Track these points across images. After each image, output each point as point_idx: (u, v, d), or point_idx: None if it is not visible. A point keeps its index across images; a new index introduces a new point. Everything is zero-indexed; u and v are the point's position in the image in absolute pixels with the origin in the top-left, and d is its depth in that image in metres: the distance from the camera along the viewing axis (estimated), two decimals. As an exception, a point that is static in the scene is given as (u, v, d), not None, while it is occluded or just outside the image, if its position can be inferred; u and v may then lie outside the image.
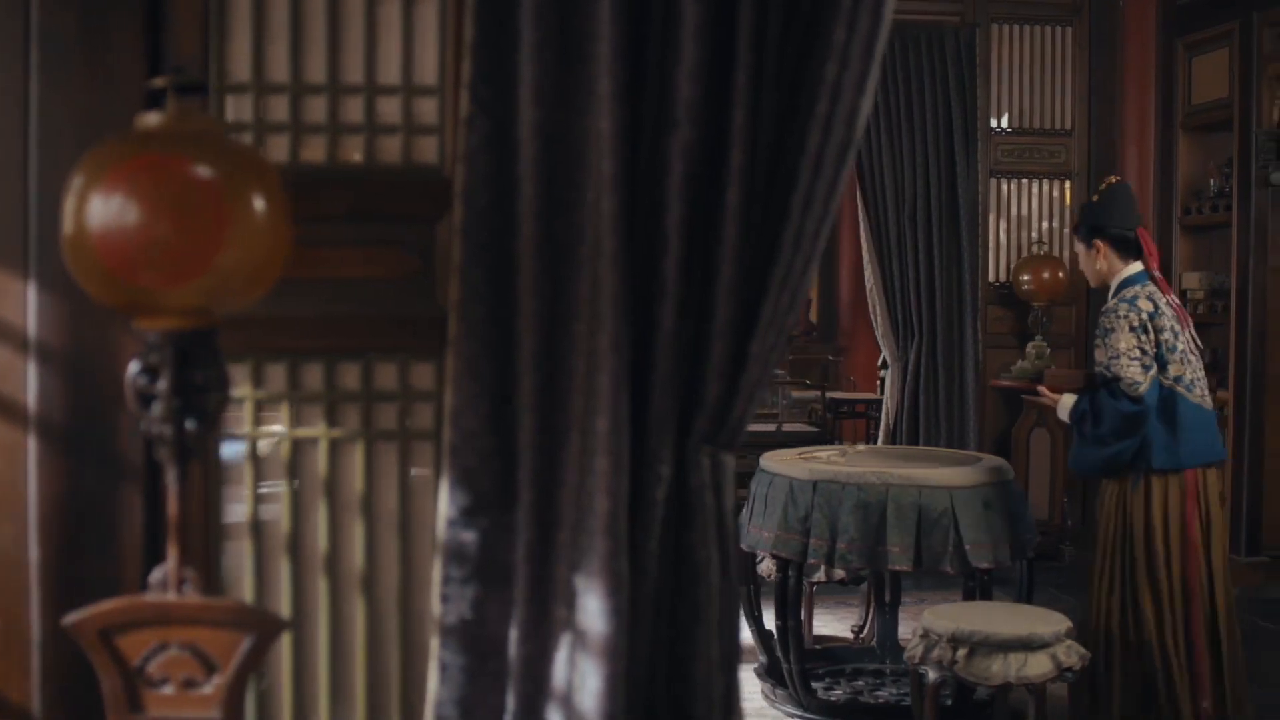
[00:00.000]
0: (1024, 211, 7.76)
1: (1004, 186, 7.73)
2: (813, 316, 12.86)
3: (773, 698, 4.86)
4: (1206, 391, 4.35)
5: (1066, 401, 4.43)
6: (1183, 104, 7.33)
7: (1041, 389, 4.69)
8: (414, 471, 2.28)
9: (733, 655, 2.19)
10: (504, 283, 2.12)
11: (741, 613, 5.29)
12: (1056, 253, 7.73)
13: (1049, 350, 7.45)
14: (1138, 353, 4.19)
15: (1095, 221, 4.44)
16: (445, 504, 2.13)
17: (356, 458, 2.24)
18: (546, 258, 2.10)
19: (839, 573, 5.24)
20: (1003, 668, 3.99)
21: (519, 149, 2.10)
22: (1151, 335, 4.22)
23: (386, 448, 2.25)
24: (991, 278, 7.74)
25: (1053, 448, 7.56)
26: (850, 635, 5.74)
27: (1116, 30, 7.66)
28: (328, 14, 2.20)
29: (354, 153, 2.21)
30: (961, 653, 4.03)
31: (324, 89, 2.21)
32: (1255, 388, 6.79)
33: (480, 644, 2.15)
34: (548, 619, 2.11)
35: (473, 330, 2.13)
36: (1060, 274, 7.47)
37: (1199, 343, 4.46)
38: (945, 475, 4.49)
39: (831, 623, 6.04)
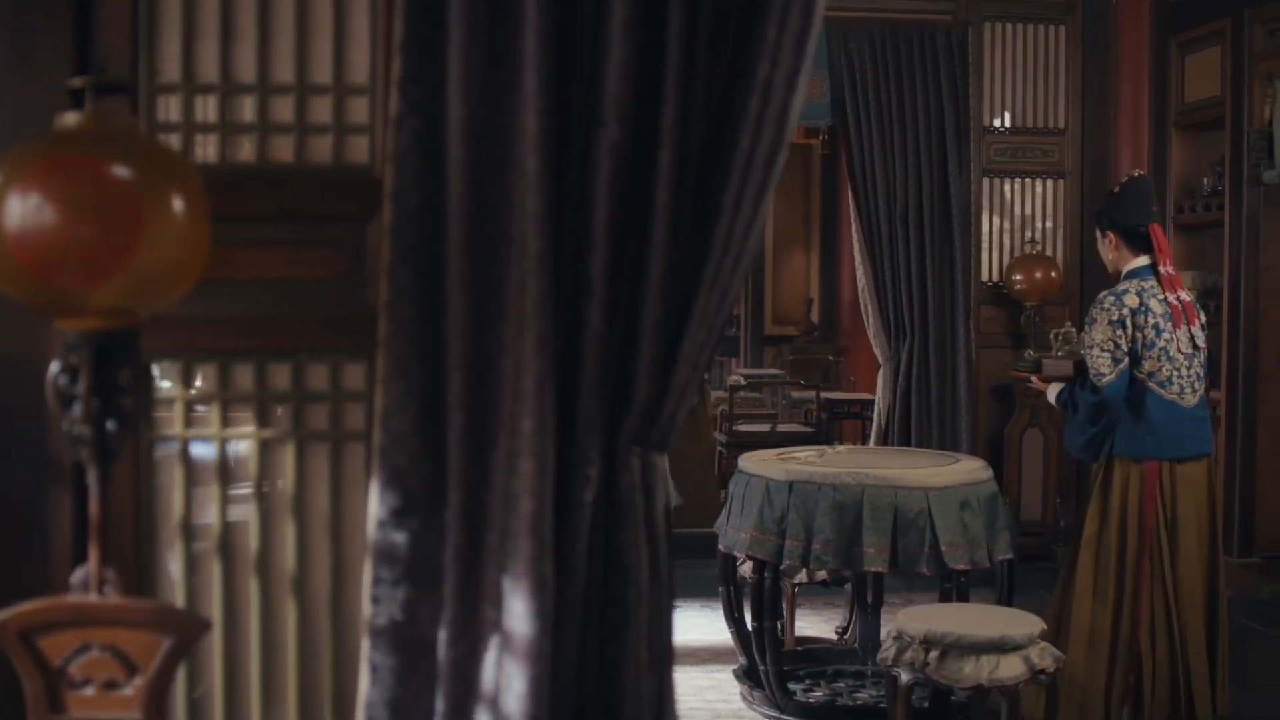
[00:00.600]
0: (1017, 211, 7.72)
1: (997, 186, 7.68)
2: (814, 317, 12.84)
3: (750, 699, 4.85)
4: (1192, 390, 4.47)
5: (1052, 390, 4.71)
6: (1176, 102, 7.29)
7: (1034, 377, 4.85)
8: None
9: (664, 657, 2.18)
10: (434, 283, 2.11)
11: (730, 612, 5.25)
12: (1050, 252, 7.69)
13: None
14: (1110, 346, 4.38)
15: (1109, 212, 4.59)
16: (376, 505, 2.12)
17: (288, 458, 2.23)
18: (474, 258, 2.08)
19: (821, 574, 5.22)
20: (974, 670, 3.96)
21: (448, 149, 2.09)
22: (1128, 331, 4.38)
23: (318, 448, 2.24)
24: (985, 277, 7.70)
25: (1046, 448, 7.53)
26: (835, 636, 5.72)
27: (1110, 28, 7.62)
28: (258, 13, 2.20)
29: (285, 153, 2.20)
30: (933, 655, 4.00)
31: (254, 88, 2.20)
32: (1246, 388, 6.75)
33: (411, 645, 2.14)
34: (477, 621, 2.10)
35: (402, 331, 2.11)
36: (1053, 274, 7.44)
37: (1199, 343, 4.50)
38: (921, 476, 4.47)
39: (818, 624, 6.03)
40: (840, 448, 5.19)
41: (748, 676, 4.86)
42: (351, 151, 2.24)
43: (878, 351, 7.64)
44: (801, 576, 5.27)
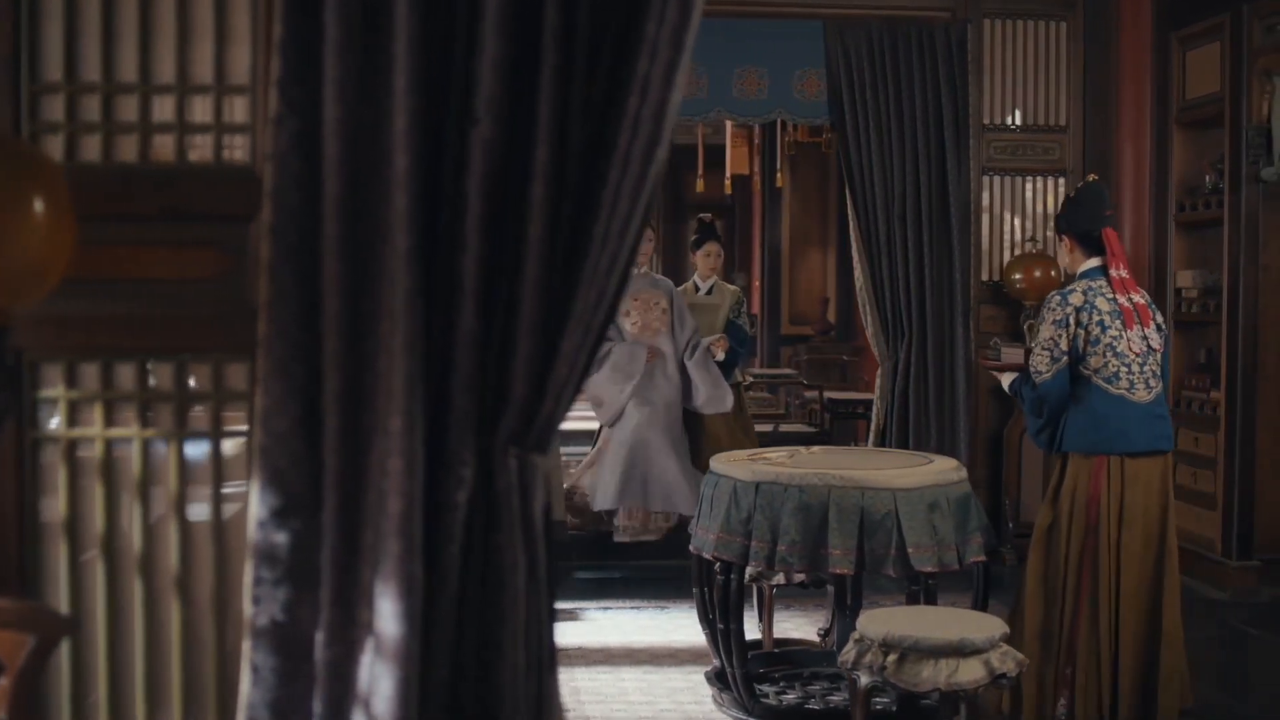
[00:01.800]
0: (1018, 209, 7.64)
1: (998, 184, 7.61)
2: (830, 316, 12.77)
3: (720, 701, 4.82)
4: (1145, 386, 4.53)
5: (1005, 378, 4.92)
6: (1177, 99, 7.21)
7: (995, 366, 5.05)
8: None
9: (544, 659, 2.16)
10: (314, 283, 2.10)
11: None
12: (1051, 251, 7.60)
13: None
14: (1050, 345, 4.51)
15: (1065, 216, 4.77)
16: (256, 505, 2.11)
17: (170, 458, 2.23)
18: (349, 258, 2.07)
19: (799, 576, 5.18)
20: (933, 673, 3.91)
21: (325, 148, 2.08)
22: (1070, 329, 4.50)
23: (201, 448, 2.24)
24: (985, 276, 7.63)
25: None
26: (817, 638, 5.67)
27: (1111, 24, 7.53)
28: (140, 12, 2.19)
29: (168, 152, 2.20)
30: (892, 658, 3.96)
31: (136, 88, 2.20)
32: (1246, 388, 6.65)
33: (293, 646, 2.13)
34: (353, 622, 2.09)
35: (282, 331, 2.10)
36: (1052, 272, 7.34)
37: (1153, 344, 4.57)
38: (888, 477, 4.43)
39: (804, 625, 5.98)
40: (815, 449, 5.14)
41: (718, 679, 4.83)
42: (233, 151, 2.23)
43: (876, 351, 7.59)
44: (779, 578, 5.23)
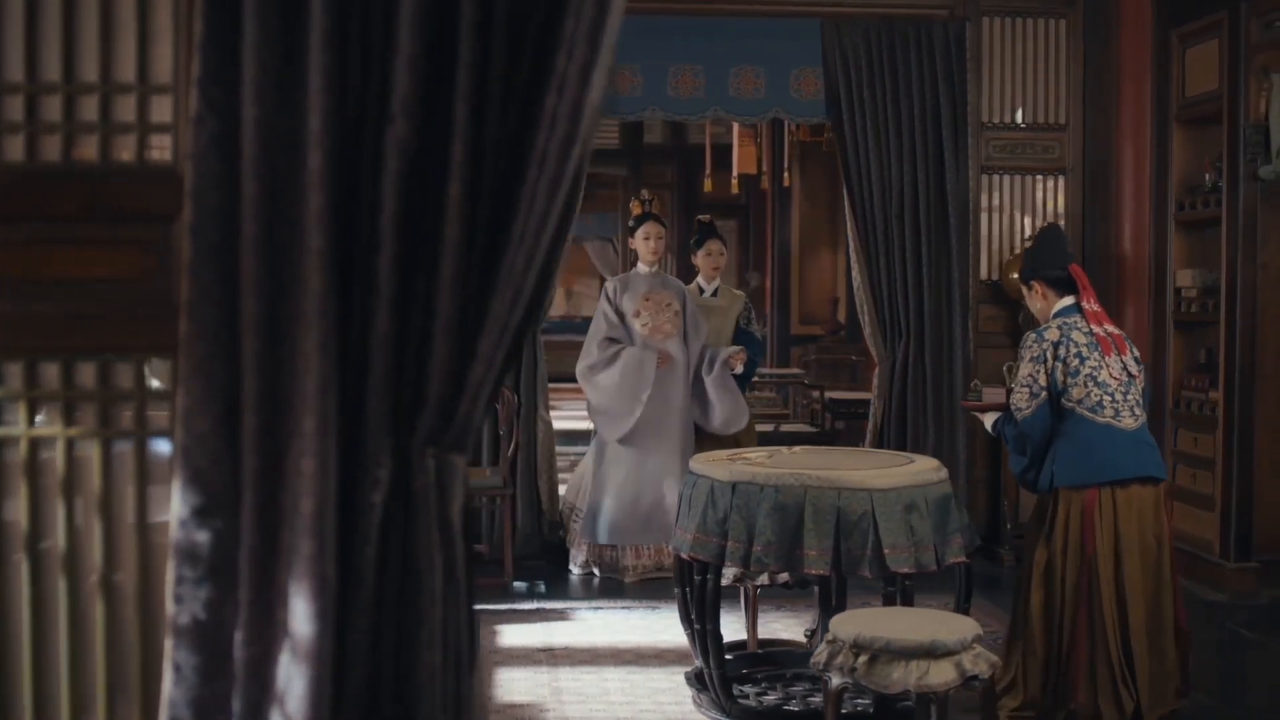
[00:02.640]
0: (1018, 207, 7.60)
1: (996, 183, 7.56)
2: (840, 316, 12.73)
3: (699, 702, 4.80)
4: (1131, 414, 4.54)
5: (988, 419, 4.89)
6: (1177, 97, 7.15)
7: (978, 407, 5.01)
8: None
9: (462, 660, 2.15)
10: (234, 283, 2.09)
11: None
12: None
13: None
14: (1029, 380, 4.56)
15: (1030, 264, 4.81)
16: (178, 504, 2.11)
17: (94, 457, 2.23)
18: (268, 258, 2.07)
19: (783, 576, 5.15)
20: (903, 675, 3.89)
21: (243, 148, 2.08)
22: (1048, 364, 4.54)
23: (125, 447, 2.24)
24: (984, 275, 7.60)
25: (1045, 449, 7.39)
26: (804, 639, 5.65)
27: (1112, 22, 7.48)
28: (63, 11, 2.19)
29: (92, 151, 2.20)
30: (862, 660, 3.94)
31: (59, 87, 2.20)
32: (1244, 388, 6.59)
33: (214, 645, 2.13)
34: (270, 621, 2.09)
35: (203, 331, 2.10)
36: (1051, 272, 7.30)
37: (1133, 371, 4.60)
38: (865, 478, 4.40)
39: (794, 626, 5.96)
40: (797, 449, 5.12)
41: (698, 679, 4.81)
42: (156, 150, 2.23)
43: (874, 351, 7.57)
44: (763, 579, 5.21)
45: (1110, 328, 4.62)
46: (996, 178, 7.57)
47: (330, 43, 2.03)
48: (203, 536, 2.12)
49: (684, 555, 4.65)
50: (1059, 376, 4.51)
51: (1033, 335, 4.63)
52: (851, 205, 7.41)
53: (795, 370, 11.73)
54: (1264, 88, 6.42)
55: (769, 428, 8.51)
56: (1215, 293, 6.80)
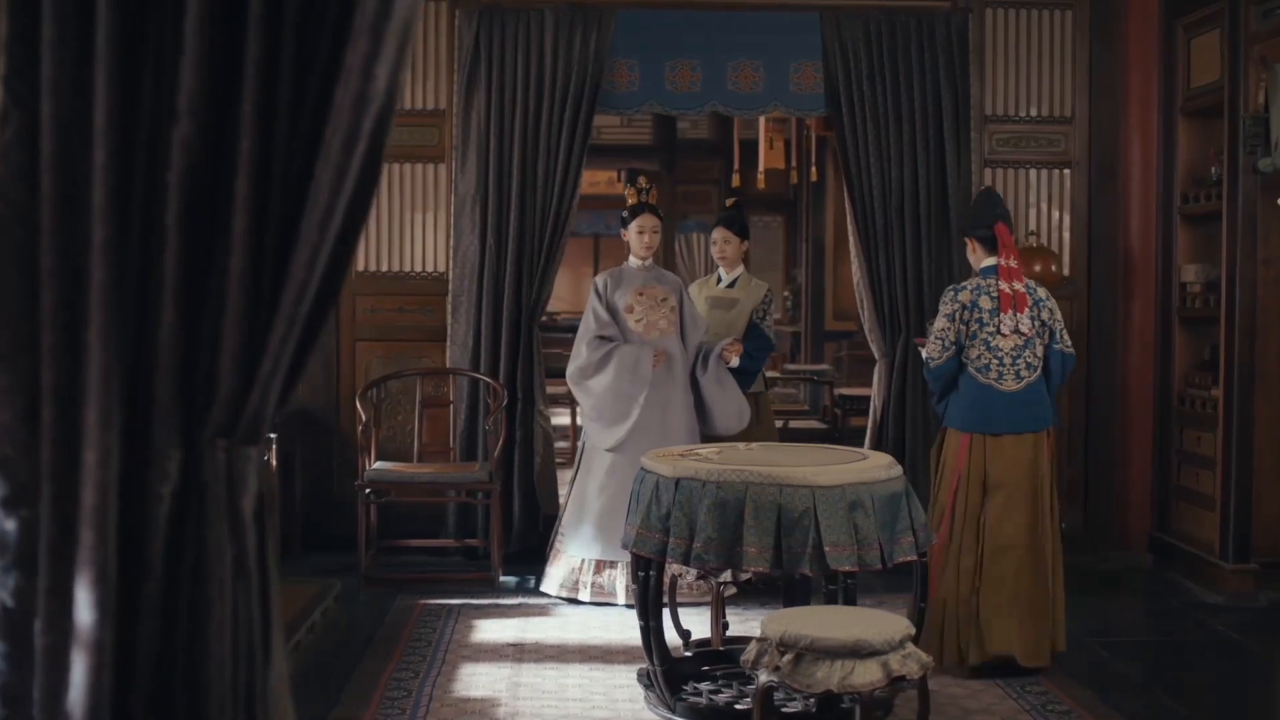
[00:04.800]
0: (1021, 202, 7.48)
1: (1000, 177, 7.45)
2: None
3: (650, 700, 4.79)
4: (1015, 377, 5.16)
5: (925, 351, 5.46)
6: (1182, 87, 7.00)
7: (917, 340, 5.82)
8: None
9: (253, 654, 2.16)
10: (36, 277, 2.12)
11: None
12: (1057, 245, 7.44)
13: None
14: (942, 334, 5.23)
15: (965, 223, 5.62)
16: (-13, 495, 2.14)
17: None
18: (62, 251, 2.09)
19: (745, 574, 5.12)
20: (827, 674, 3.85)
21: (42, 143, 2.10)
22: (956, 324, 5.21)
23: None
24: (988, 271, 7.47)
25: (1047, 448, 7.27)
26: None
27: (1118, 12, 7.34)
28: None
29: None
30: (787, 658, 3.90)
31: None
32: (1243, 385, 6.44)
33: (21, 632, 2.15)
34: (66, 611, 2.11)
35: (6, 323, 2.13)
36: (1054, 266, 7.18)
37: (1022, 328, 5.12)
38: (807, 474, 4.36)
39: (772, 624, 5.91)
40: (754, 445, 5.08)
41: (648, 677, 4.80)
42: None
43: (874, 347, 7.49)
44: (726, 576, 5.18)
45: (1018, 285, 5.15)
46: (1000, 171, 7.44)
47: (117, 41, 2.04)
48: (10, 525, 2.14)
49: (628, 551, 4.63)
50: (962, 337, 5.19)
51: (950, 292, 5.27)
52: (850, 200, 7.34)
53: (825, 367, 11.65)
54: (1263, 78, 6.26)
55: (779, 424, 8.45)
56: (1218, 288, 6.65)
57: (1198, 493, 6.80)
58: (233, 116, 2.08)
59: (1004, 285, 5.09)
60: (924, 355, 5.32)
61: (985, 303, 5.13)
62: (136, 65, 2.07)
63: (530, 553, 7.07)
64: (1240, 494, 6.44)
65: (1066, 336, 5.26)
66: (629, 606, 5.92)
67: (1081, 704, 4.86)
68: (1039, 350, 5.14)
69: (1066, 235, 7.46)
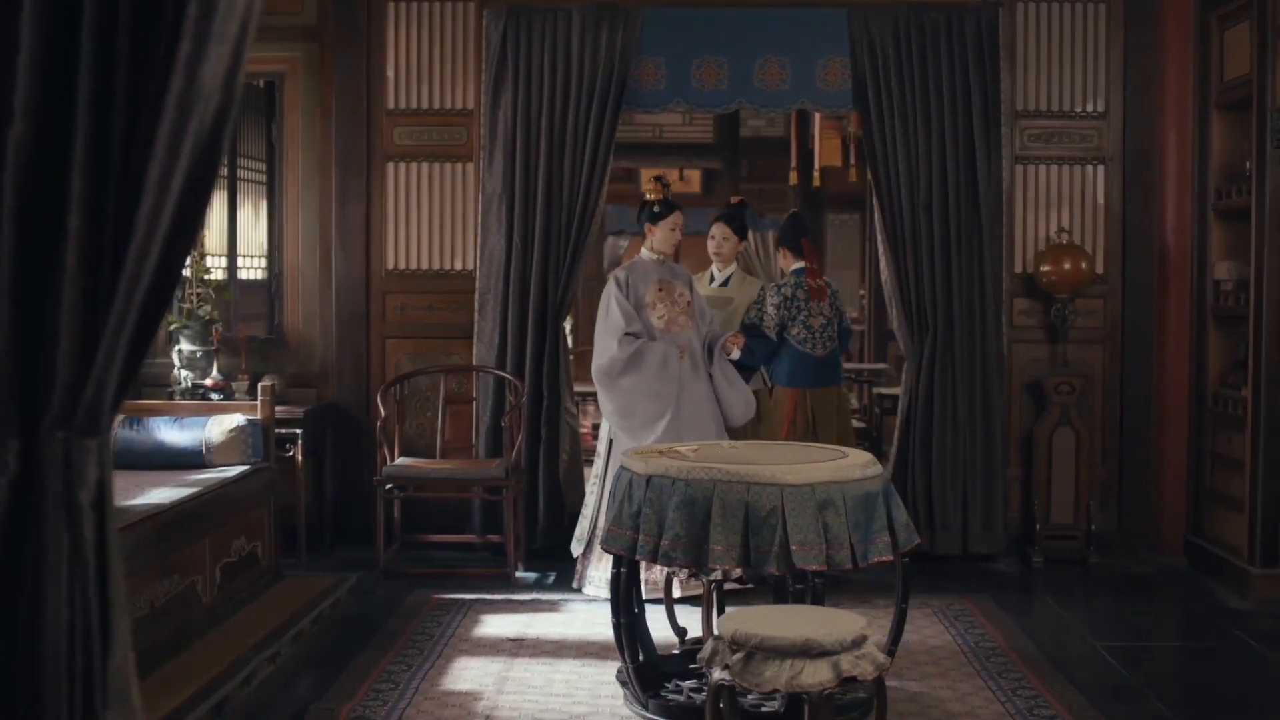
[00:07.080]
0: (1054, 198, 7.35)
1: (1031, 173, 7.33)
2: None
3: (627, 697, 4.79)
4: (823, 346, 6.80)
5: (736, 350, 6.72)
6: (1217, 81, 6.83)
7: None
8: None
9: (92, 639, 2.21)
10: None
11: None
12: (1089, 242, 7.30)
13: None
14: (771, 319, 6.78)
15: (782, 236, 7.11)
16: None
17: None
18: (-86, 248, 2.17)
19: (736, 573, 5.10)
20: (776, 674, 3.82)
21: (-102, 143, 2.19)
22: (779, 311, 6.77)
23: None
24: (1019, 269, 7.37)
25: (1077, 447, 7.15)
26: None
27: (1153, 4, 7.17)
28: None
29: None
30: (738, 657, 3.89)
31: None
32: (1272, 386, 6.27)
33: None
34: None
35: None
36: (1084, 264, 7.05)
37: (826, 313, 6.81)
38: (776, 473, 4.33)
39: (777, 623, 5.88)
40: (737, 443, 5.06)
41: (624, 675, 4.80)
42: None
43: (901, 346, 7.41)
44: (716, 575, 5.17)
45: (818, 282, 6.88)
46: (1032, 168, 7.32)
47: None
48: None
49: (602, 547, 4.65)
50: (785, 320, 6.76)
51: (774, 287, 6.86)
52: (878, 196, 7.27)
53: (883, 366, 11.53)
54: (1290, 70, 6.09)
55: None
56: (1246, 286, 6.48)
57: (1229, 495, 6.63)
58: (66, 116, 2.14)
59: (811, 283, 6.83)
60: (763, 326, 6.79)
61: (800, 295, 6.80)
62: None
63: (555, 549, 7.11)
64: (1269, 497, 6.27)
65: (849, 317, 7.14)
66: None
67: (1069, 708, 4.77)
68: (835, 328, 6.85)
69: (1101, 233, 7.31)
